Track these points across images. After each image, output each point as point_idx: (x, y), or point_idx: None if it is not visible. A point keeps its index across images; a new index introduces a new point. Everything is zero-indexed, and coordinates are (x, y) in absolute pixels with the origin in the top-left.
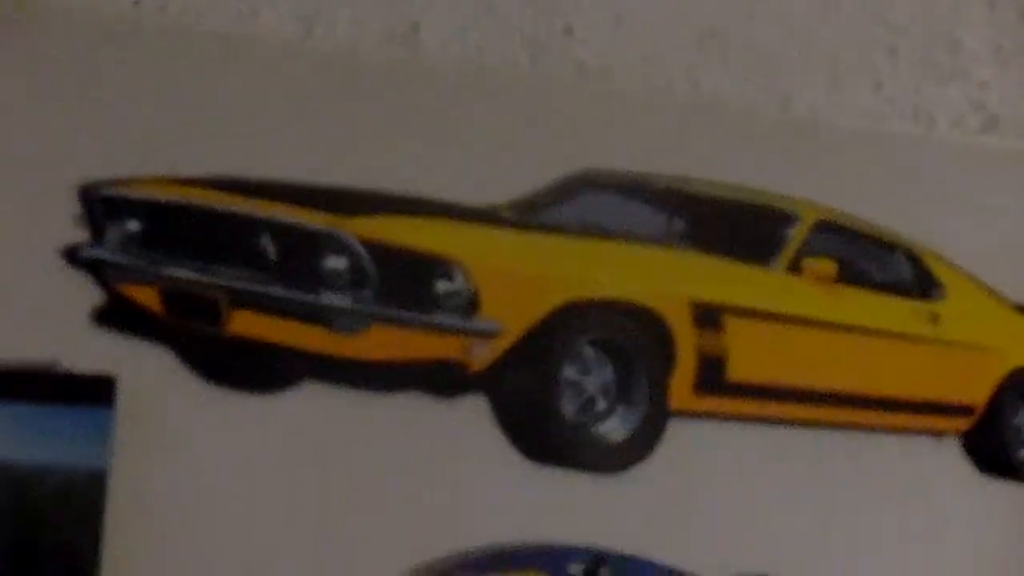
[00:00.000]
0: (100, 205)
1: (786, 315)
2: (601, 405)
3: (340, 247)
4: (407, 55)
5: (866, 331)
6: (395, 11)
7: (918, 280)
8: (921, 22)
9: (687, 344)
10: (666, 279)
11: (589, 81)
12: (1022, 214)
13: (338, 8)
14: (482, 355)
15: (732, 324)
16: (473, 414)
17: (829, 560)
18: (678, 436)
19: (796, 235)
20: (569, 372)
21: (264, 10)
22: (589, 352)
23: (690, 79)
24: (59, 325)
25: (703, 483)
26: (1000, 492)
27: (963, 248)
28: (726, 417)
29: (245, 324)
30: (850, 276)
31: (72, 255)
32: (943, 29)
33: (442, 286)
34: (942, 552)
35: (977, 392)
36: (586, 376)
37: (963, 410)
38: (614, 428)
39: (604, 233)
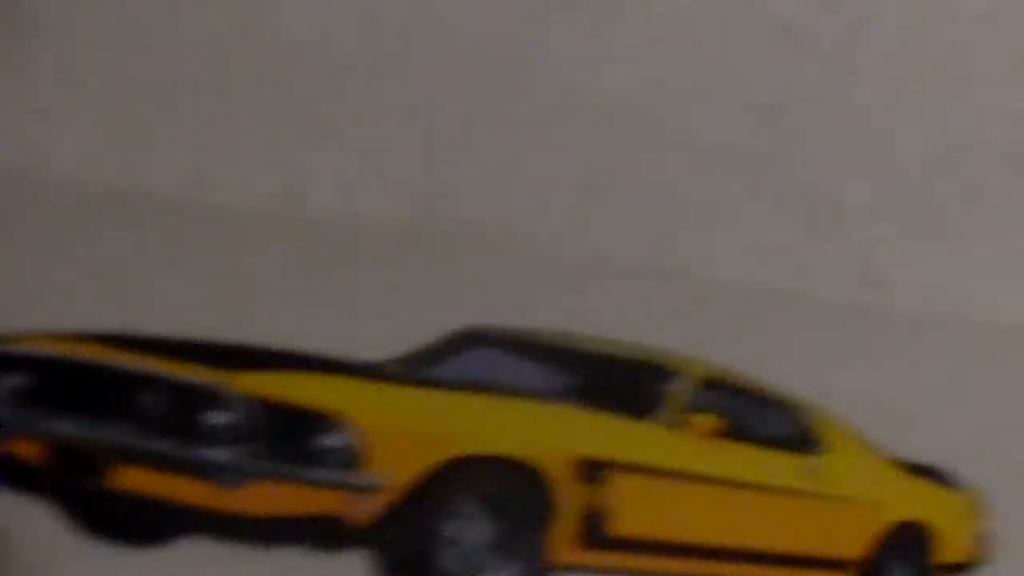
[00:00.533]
0: None
1: (670, 470)
2: (482, 559)
3: (224, 403)
4: (293, 213)
5: (748, 486)
6: (282, 169)
7: (799, 435)
8: (804, 181)
9: (569, 499)
10: (550, 435)
11: (473, 239)
12: (904, 371)
13: (225, 166)
14: (365, 510)
15: (615, 479)
16: (355, 569)
17: None
18: None
19: (680, 390)
20: (451, 527)
21: (153, 166)
22: (470, 507)
23: (575, 234)
24: None
25: None
26: None
27: (843, 404)
28: (609, 571)
29: (128, 479)
30: (733, 431)
31: None
32: (824, 190)
33: (326, 441)
34: None
35: (855, 546)
36: (467, 531)
37: (841, 565)
38: None
39: (489, 389)
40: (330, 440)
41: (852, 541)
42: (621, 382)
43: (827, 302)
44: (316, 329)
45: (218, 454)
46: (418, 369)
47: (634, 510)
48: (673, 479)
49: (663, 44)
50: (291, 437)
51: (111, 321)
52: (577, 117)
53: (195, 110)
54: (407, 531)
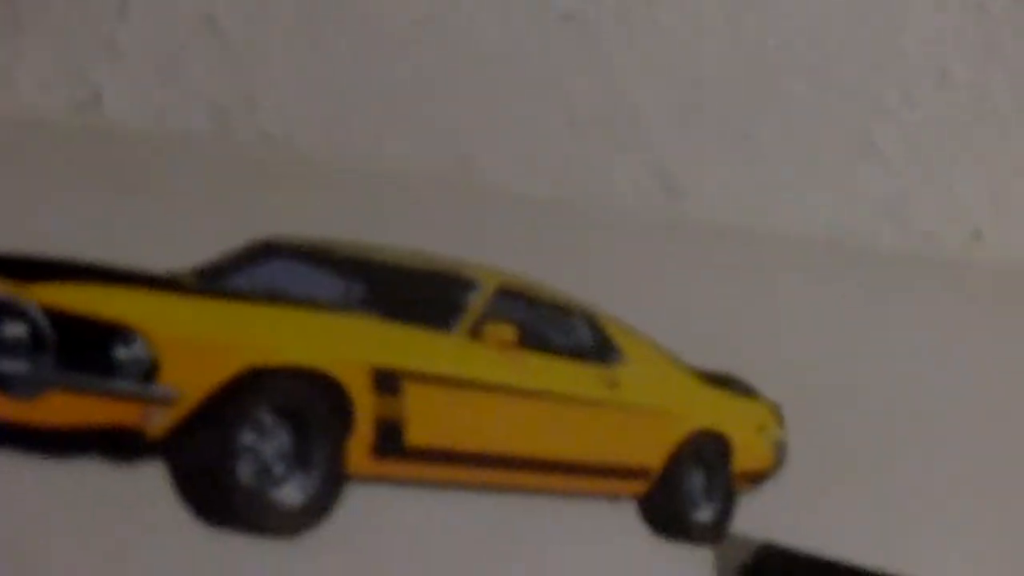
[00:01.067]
0: None
1: (466, 380)
2: (278, 470)
3: (18, 313)
4: (90, 121)
5: (546, 395)
6: (79, 77)
7: (597, 345)
8: (601, 93)
9: (365, 409)
10: (346, 345)
11: (272, 148)
12: (701, 284)
13: (21, 74)
14: (160, 421)
15: (411, 389)
16: (151, 478)
17: None
18: (357, 500)
19: (477, 301)
20: (247, 438)
21: None
22: (267, 418)
23: (373, 145)
24: None
25: (383, 547)
26: (675, 554)
27: (641, 315)
28: (406, 481)
29: None
30: (531, 341)
31: None
32: (624, 100)
33: (121, 352)
34: None
35: (654, 455)
36: (264, 441)
37: (640, 473)
38: (291, 493)
39: (286, 300)
40: (124, 351)
41: (651, 449)
42: (418, 293)
43: (626, 212)
44: (113, 240)
45: (12, 366)
46: (214, 280)
47: (430, 420)
48: (470, 389)
49: None
50: (85, 348)
51: None
52: (373, 29)
53: None
54: (203, 442)
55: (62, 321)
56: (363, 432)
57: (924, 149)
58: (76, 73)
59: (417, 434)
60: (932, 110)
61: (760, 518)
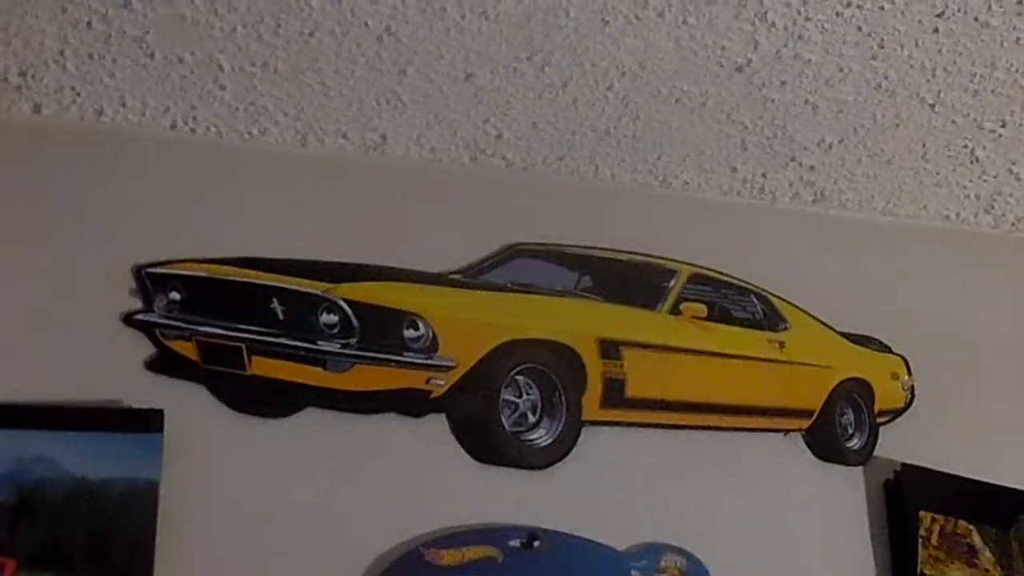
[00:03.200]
0: (149, 281)
1: (669, 346)
2: (530, 419)
3: (332, 307)
4: (377, 159)
5: (730, 356)
6: (368, 125)
7: (768, 317)
8: (761, 121)
9: (595, 370)
10: (578, 322)
11: (514, 173)
12: (840, 267)
13: (327, 123)
14: (440, 384)
15: (629, 354)
16: (435, 429)
17: (708, 529)
18: (590, 440)
19: (675, 286)
20: (506, 394)
21: (269, 128)
22: (521, 379)
23: (592, 168)
24: (121, 372)
25: (610, 475)
26: (833, 472)
27: (800, 293)
28: (626, 425)
29: (262, 367)
30: (717, 315)
31: (129, 319)
32: (779, 124)
33: (409, 333)
34: (790, 519)
35: (815, 398)
36: (519, 397)
37: (804, 413)
38: (541, 435)
39: (531, 289)
40: (412, 332)
41: (812, 394)
42: (631, 281)
43: (783, 213)
44: (398, 249)
45: (330, 346)
46: (476, 276)
47: (643, 377)
48: (671, 353)
49: None
50: (383, 331)
51: (243, 250)
52: (585, 77)
53: None
54: (474, 399)
55: (365, 311)
56: (593, 388)
57: (1012, 157)
58: (366, 122)
59: (633, 388)
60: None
61: (898, 445)
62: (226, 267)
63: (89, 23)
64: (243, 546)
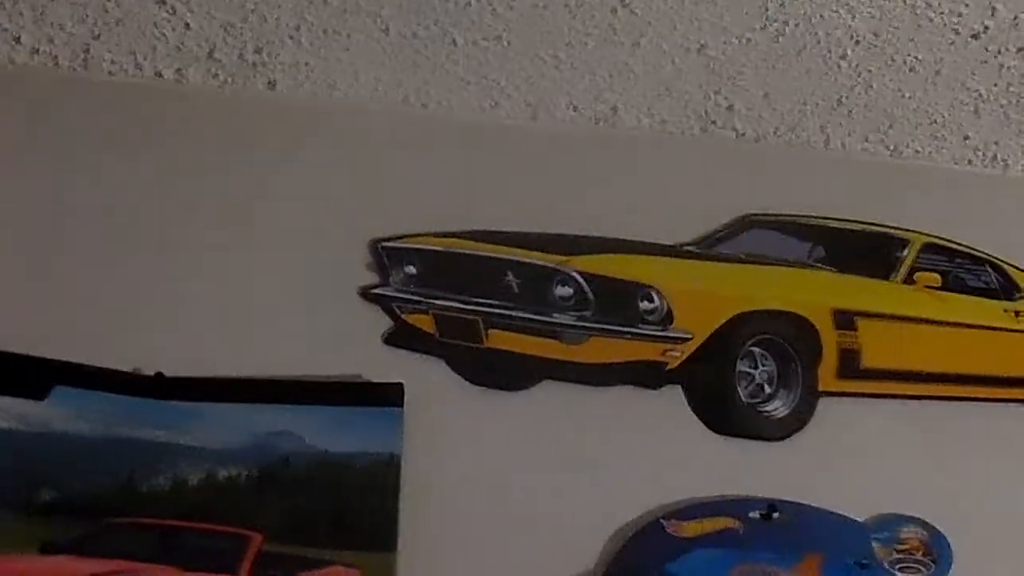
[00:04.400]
0: (386, 255)
1: (904, 316)
2: (767, 390)
3: (566, 279)
4: (609, 131)
5: (965, 326)
6: (599, 97)
7: (1003, 286)
8: (996, 88)
9: (830, 341)
10: (812, 293)
11: (744, 143)
12: None
13: (558, 96)
14: (676, 356)
15: (863, 325)
16: (671, 400)
17: (948, 502)
18: (826, 411)
19: (908, 255)
20: (742, 366)
21: (500, 101)
22: (756, 350)
23: (823, 138)
24: (360, 347)
25: (847, 446)
26: None
27: None
28: (862, 395)
29: (498, 340)
30: (951, 285)
31: (367, 294)
32: (1014, 91)
33: (644, 305)
34: None
35: None
36: (755, 368)
37: None
38: (777, 407)
39: (764, 260)
40: (647, 304)
41: None
42: (864, 251)
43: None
44: (631, 220)
45: (564, 319)
46: (710, 248)
47: (878, 348)
48: (906, 323)
49: None
50: (617, 303)
51: (477, 223)
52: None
53: None
54: (709, 370)
55: (599, 283)
56: (829, 359)
57: None
58: (597, 94)
59: (869, 359)
60: None
61: None
62: (461, 240)
63: None
64: (483, 518)
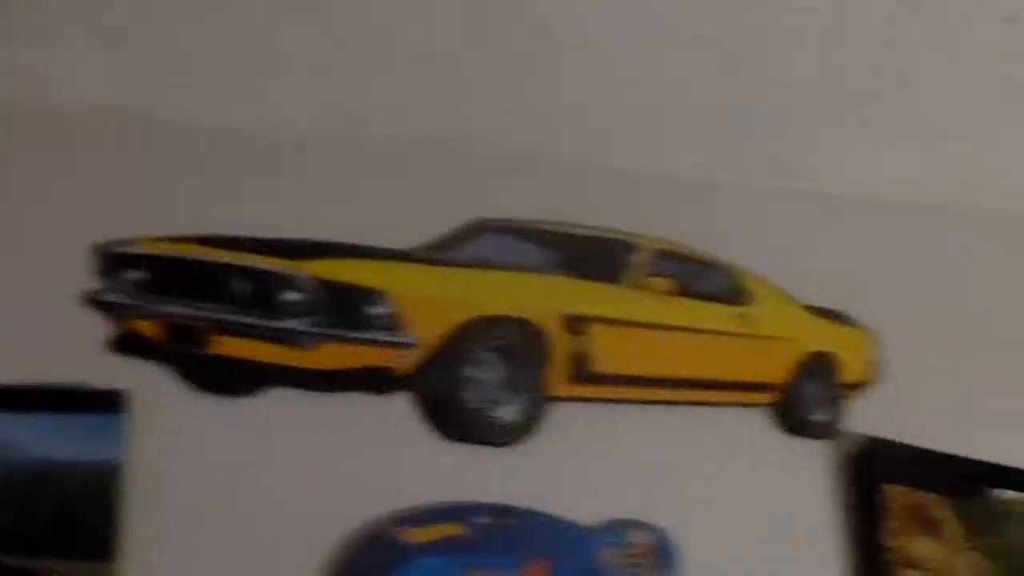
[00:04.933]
0: (110, 260)
1: (636, 321)
2: (496, 396)
3: (295, 284)
4: (341, 136)
5: (696, 330)
6: (331, 102)
7: (734, 291)
8: (731, 96)
9: (560, 346)
10: (543, 298)
11: (477, 150)
12: (806, 240)
13: (289, 101)
14: (405, 362)
15: (595, 330)
16: (400, 406)
17: (676, 504)
18: (557, 417)
19: (641, 261)
20: (470, 371)
21: (230, 104)
22: (486, 355)
23: (559, 145)
24: (83, 354)
25: (577, 451)
26: (799, 446)
27: (766, 267)
28: (593, 400)
29: (225, 346)
30: (683, 290)
31: (90, 299)
32: (745, 101)
33: (372, 310)
34: (757, 494)
35: (779, 372)
36: (484, 373)
37: (769, 387)
38: (507, 412)
39: (495, 265)
40: (376, 309)
41: (777, 369)
42: (596, 256)
43: (747, 188)
44: (357, 224)
45: (292, 324)
46: (440, 253)
47: (609, 353)
48: (636, 327)
49: None
50: (346, 309)
51: (205, 228)
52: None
53: None
54: (438, 376)
55: (328, 288)
56: (559, 364)
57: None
58: (328, 99)
59: (600, 363)
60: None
61: (864, 419)
62: (187, 245)
63: None
64: (210, 525)
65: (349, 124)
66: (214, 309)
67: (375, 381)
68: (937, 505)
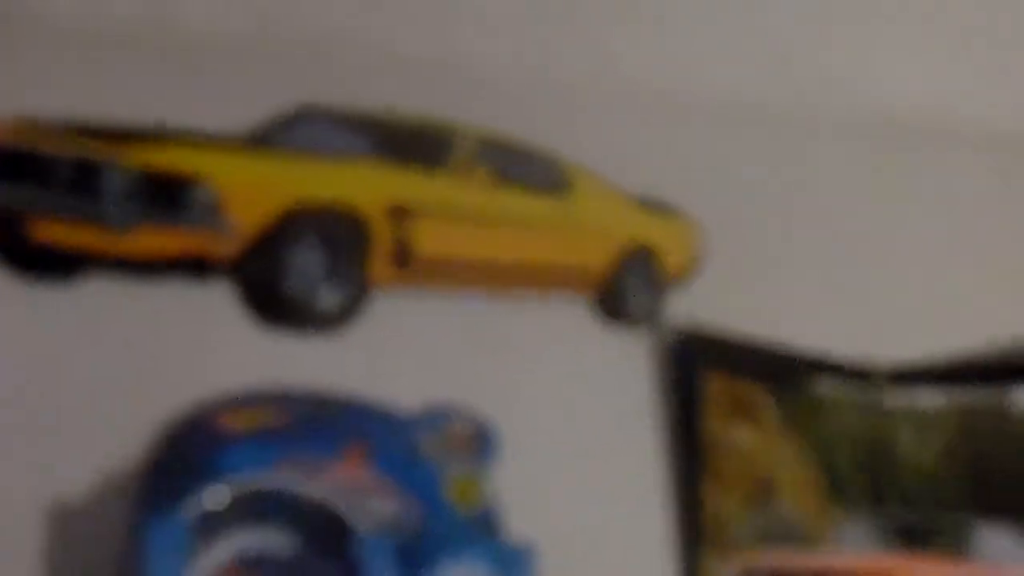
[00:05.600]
0: None
1: (457, 209)
2: (317, 282)
3: (115, 170)
4: (164, 25)
5: (515, 218)
6: None
7: (557, 181)
8: None
9: (382, 234)
10: (365, 186)
11: (300, 38)
12: (630, 132)
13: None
14: (226, 248)
15: (417, 218)
16: (221, 294)
17: (496, 394)
18: (378, 304)
19: (463, 150)
20: (292, 258)
21: None
22: (307, 242)
23: (384, 35)
24: None
25: (399, 339)
26: (620, 335)
27: (590, 158)
28: (414, 289)
29: (44, 232)
30: (505, 179)
31: None
32: None
33: (193, 196)
34: (577, 382)
35: (600, 261)
36: (305, 260)
37: (592, 276)
38: (327, 300)
39: (318, 152)
40: (196, 195)
41: (599, 258)
42: (420, 144)
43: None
44: (182, 108)
45: (113, 210)
46: (264, 139)
47: (431, 241)
48: (459, 216)
49: None
50: (167, 195)
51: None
52: None
53: None
54: (259, 263)
55: (148, 174)
56: (382, 252)
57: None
58: None
59: (422, 252)
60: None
61: (686, 309)
62: (6, 131)
63: None
64: (26, 415)
65: (168, 14)
66: (31, 194)
67: (194, 268)
68: (757, 393)
